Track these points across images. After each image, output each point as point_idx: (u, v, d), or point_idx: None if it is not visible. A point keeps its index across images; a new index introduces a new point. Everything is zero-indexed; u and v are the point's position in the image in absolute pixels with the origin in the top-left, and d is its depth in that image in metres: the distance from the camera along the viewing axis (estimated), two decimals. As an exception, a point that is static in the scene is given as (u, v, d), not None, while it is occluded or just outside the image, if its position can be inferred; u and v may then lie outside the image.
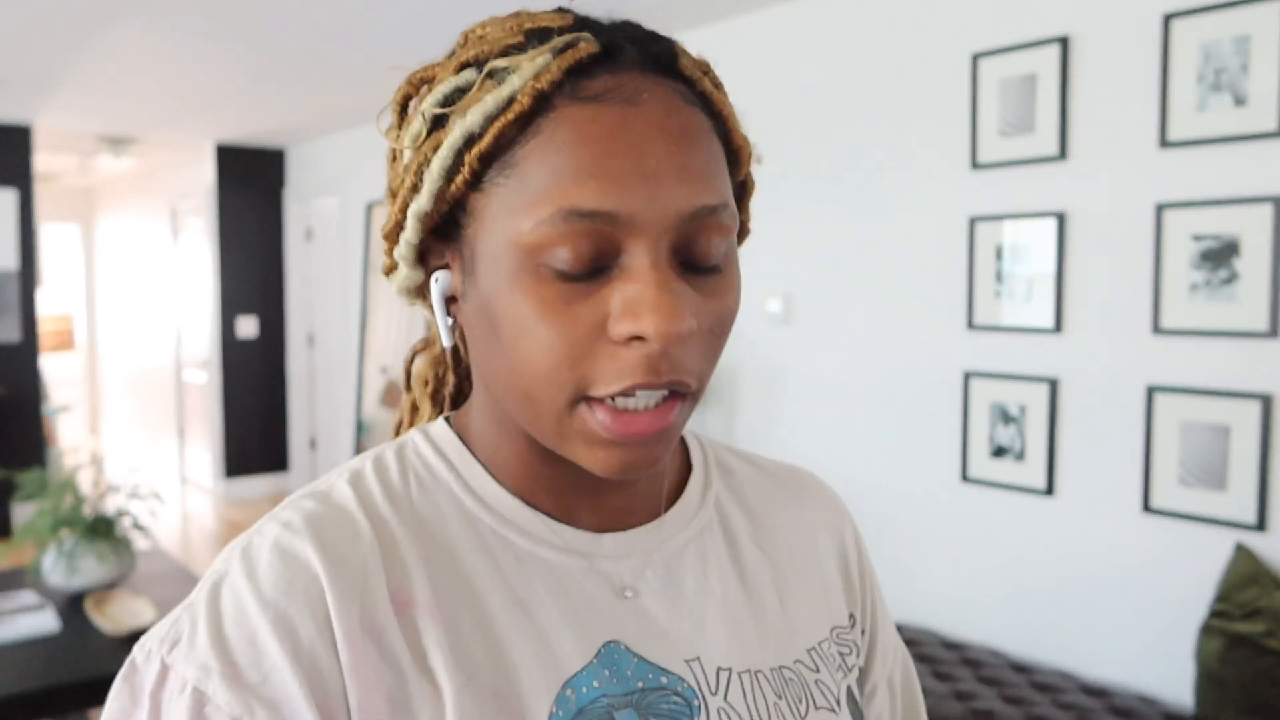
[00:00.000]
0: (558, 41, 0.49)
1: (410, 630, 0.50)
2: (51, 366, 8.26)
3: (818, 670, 0.61)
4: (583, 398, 0.49)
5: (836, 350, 3.04)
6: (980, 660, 2.48)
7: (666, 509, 0.60)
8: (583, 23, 0.52)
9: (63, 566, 2.67)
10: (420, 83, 0.55)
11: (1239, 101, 2.12)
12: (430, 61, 0.55)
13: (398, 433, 0.68)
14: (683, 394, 0.51)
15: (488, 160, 0.50)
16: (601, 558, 0.56)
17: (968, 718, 2.15)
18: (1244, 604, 2.04)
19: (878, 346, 2.92)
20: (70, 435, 8.52)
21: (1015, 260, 2.55)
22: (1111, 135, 2.35)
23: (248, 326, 6.34)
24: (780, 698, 0.57)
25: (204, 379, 6.49)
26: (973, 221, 2.63)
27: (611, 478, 0.52)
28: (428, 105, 0.52)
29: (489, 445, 0.58)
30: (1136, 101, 2.29)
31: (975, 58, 2.60)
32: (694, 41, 3.79)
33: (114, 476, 6.55)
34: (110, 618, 2.61)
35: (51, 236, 8.83)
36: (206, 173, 6.23)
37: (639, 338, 0.47)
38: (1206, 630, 2.09)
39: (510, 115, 0.48)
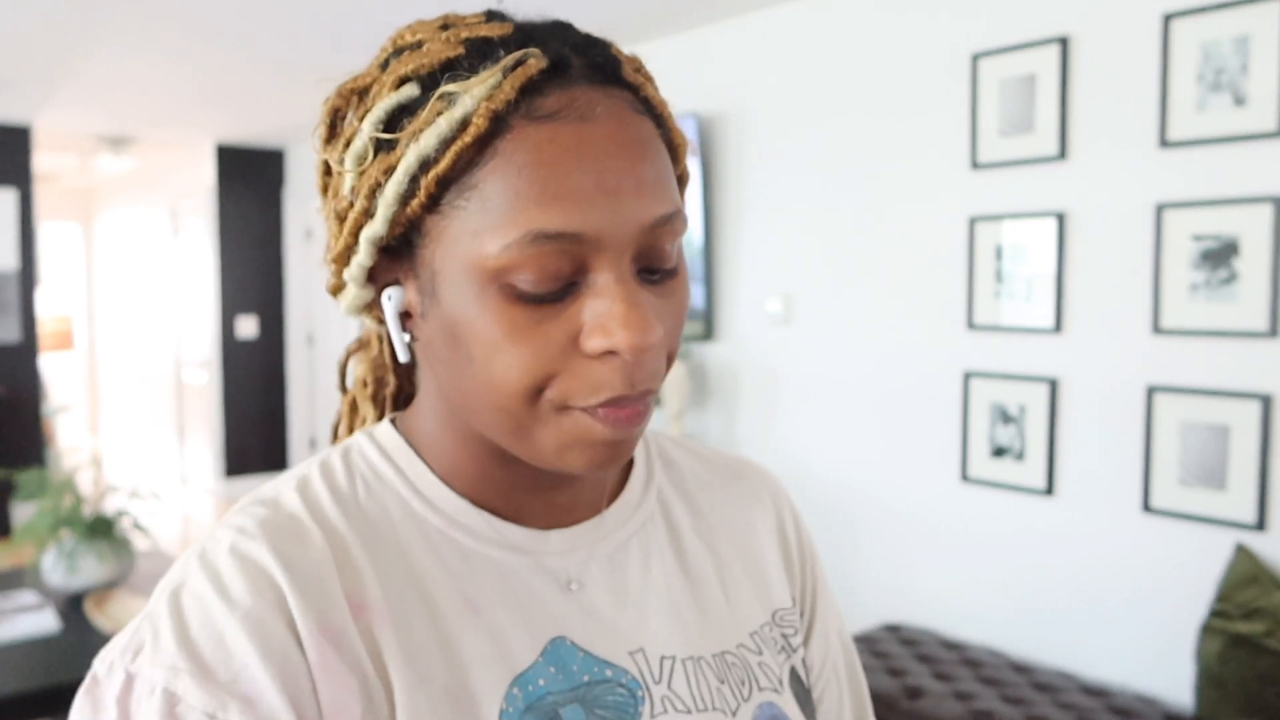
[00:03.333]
0: (507, 60, 0.49)
1: (366, 632, 0.51)
2: (51, 366, 8.26)
3: (761, 653, 0.62)
4: (563, 407, 0.51)
5: (836, 350, 3.04)
6: (980, 660, 2.48)
7: (610, 504, 0.62)
8: (520, 31, 0.51)
9: (63, 566, 2.67)
10: (351, 94, 0.54)
11: (1239, 101, 2.12)
12: (356, 73, 0.54)
13: (335, 434, 0.69)
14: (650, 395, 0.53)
15: (445, 184, 0.49)
16: (547, 554, 0.57)
17: (968, 718, 2.15)
18: (1244, 604, 2.04)
19: (878, 346, 2.92)
20: (70, 435, 8.52)
21: (1015, 260, 2.55)
22: (1111, 135, 2.35)
23: (248, 326, 6.34)
24: (723, 682, 0.59)
25: (204, 379, 6.49)
26: (973, 221, 2.63)
27: (593, 473, 0.54)
28: (370, 126, 0.51)
29: (437, 448, 0.58)
30: (1136, 101, 2.29)
31: (975, 58, 2.60)
32: (693, 42, 3.80)
33: (114, 476, 6.54)
34: (110, 618, 2.61)
35: (51, 236, 8.83)
36: (206, 173, 6.23)
37: (611, 352, 0.49)
38: (1206, 630, 2.09)
39: (468, 139, 0.48)
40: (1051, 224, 2.46)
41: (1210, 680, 2.06)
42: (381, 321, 0.58)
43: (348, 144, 0.53)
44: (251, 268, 6.32)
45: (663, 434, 0.71)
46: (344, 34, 3.55)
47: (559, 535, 0.58)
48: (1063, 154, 2.43)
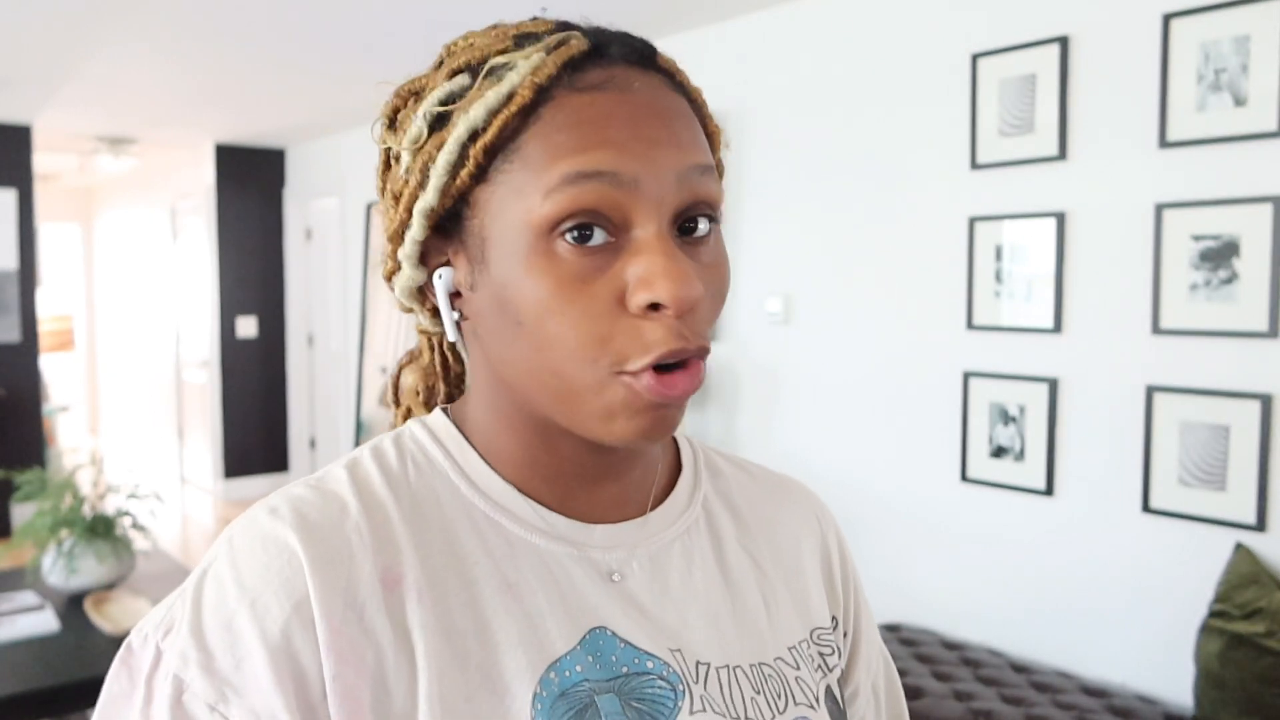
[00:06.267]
0: (550, 40, 0.53)
1: (396, 607, 0.52)
2: (51, 366, 8.26)
3: (798, 668, 0.62)
4: (617, 373, 0.52)
5: (836, 350, 3.04)
6: (980, 660, 2.48)
7: (656, 505, 0.62)
8: (562, 25, 0.56)
9: (62, 566, 2.67)
10: (409, 95, 0.57)
11: (1239, 101, 2.12)
12: (417, 74, 0.58)
13: None
14: (703, 353, 0.54)
15: (492, 152, 0.52)
16: (590, 547, 0.58)
17: (968, 718, 2.15)
18: (1244, 604, 2.04)
19: (878, 346, 2.92)
20: (70, 435, 8.52)
21: (1015, 260, 2.55)
22: (1111, 135, 2.35)
23: (247, 326, 6.34)
24: (758, 693, 0.59)
25: (204, 379, 6.48)
26: (972, 221, 2.63)
27: (639, 443, 0.54)
28: (427, 106, 0.55)
29: (487, 434, 0.59)
30: (1136, 101, 2.29)
31: (975, 58, 2.60)
32: (693, 42, 3.81)
33: (114, 476, 6.54)
34: (110, 618, 2.61)
35: (51, 236, 8.83)
36: (206, 173, 6.23)
37: (655, 306, 0.50)
38: (1206, 630, 2.09)
39: (513, 108, 0.51)
40: (1051, 224, 2.46)
41: (1210, 680, 2.06)
42: (432, 311, 0.61)
43: (405, 132, 0.57)
44: (251, 268, 6.31)
45: (709, 445, 0.71)
46: (344, 34, 3.55)
47: (603, 530, 0.59)
48: (1063, 154, 2.43)
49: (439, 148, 0.53)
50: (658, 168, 0.51)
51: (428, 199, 0.54)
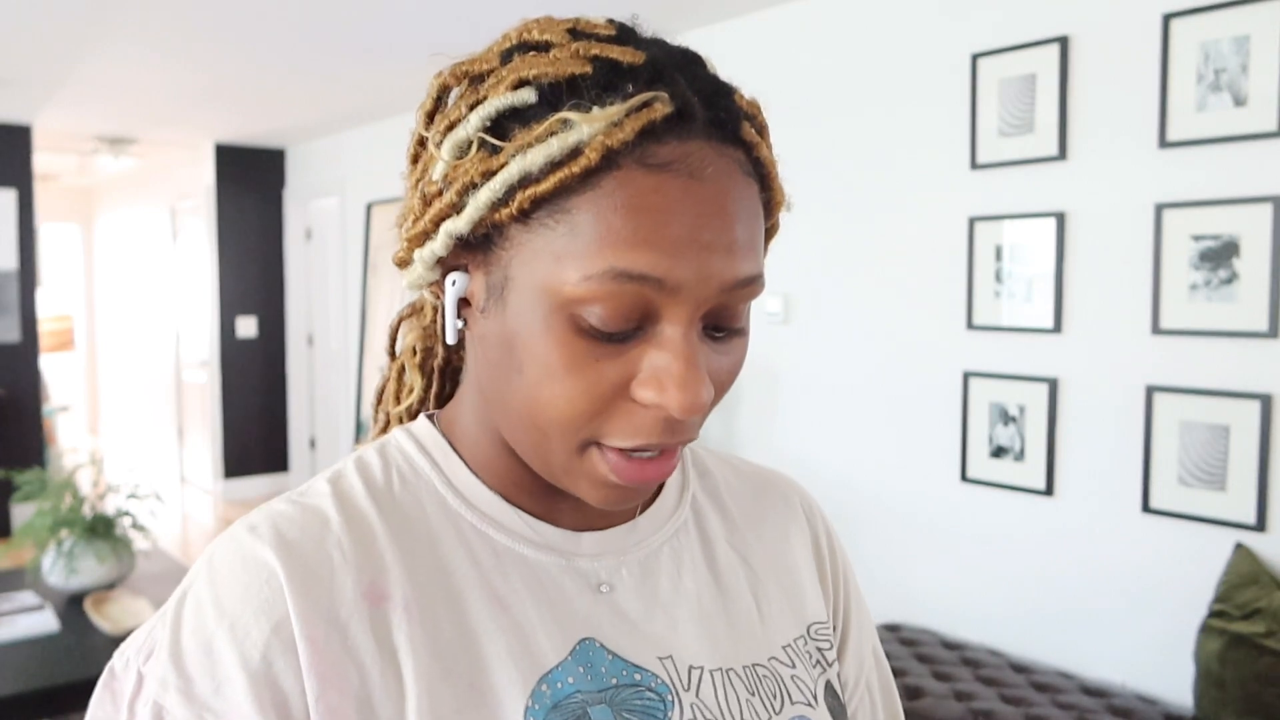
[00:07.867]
0: (634, 101, 0.48)
1: (381, 624, 0.51)
2: (51, 366, 8.25)
3: (794, 666, 0.62)
4: (594, 443, 0.51)
5: (836, 350, 3.04)
6: (980, 660, 2.48)
7: (644, 510, 0.62)
8: (651, 64, 0.50)
9: (62, 566, 2.67)
10: (464, 76, 0.53)
11: (1238, 101, 2.12)
12: (474, 54, 0.54)
13: (379, 398, 0.68)
14: (686, 442, 0.53)
15: (539, 202, 0.49)
16: (579, 556, 0.58)
17: (968, 718, 2.15)
18: (1244, 604, 2.04)
19: (877, 346, 2.92)
20: (70, 435, 8.51)
21: (1015, 260, 2.55)
22: (1111, 135, 2.35)
23: (247, 326, 6.34)
24: (753, 694, 0.58)
25: (203, 379, 6.48)
26: (972, 221, 2.63)
27: (601, 507, 0.54)
28: (478, 120, 0.50)
29: (474, 444, 0.58)
30: (1136, 101, 2.30)
31: (975, 58, 2.60)
32: (694, 41, 3.80)
33: (114, 476, 6.54)
34: (110, 618, 2.61)
35: (51, 236, 8.83)
36: (206, 173, 6.23)
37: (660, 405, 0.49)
38: (1206, 630, 2.09)
39: (575, 168, 0.47)
40: (1051, 224, 2.46)
41: (1210, 680, 2.06)
42: (440, 297, 0.57)
43: (450, 127, 0.52)
44: (251, 268, 6.31)
45: (698, 445, 0.70)
46: (344, 34, 3.55)
47: (591, 538, 0.58)
48: (1063, 154, 2.43)
49: (484, 175, 0.49)
50: (706, 275, 0.48)
51: (459, 225, 0.51)
